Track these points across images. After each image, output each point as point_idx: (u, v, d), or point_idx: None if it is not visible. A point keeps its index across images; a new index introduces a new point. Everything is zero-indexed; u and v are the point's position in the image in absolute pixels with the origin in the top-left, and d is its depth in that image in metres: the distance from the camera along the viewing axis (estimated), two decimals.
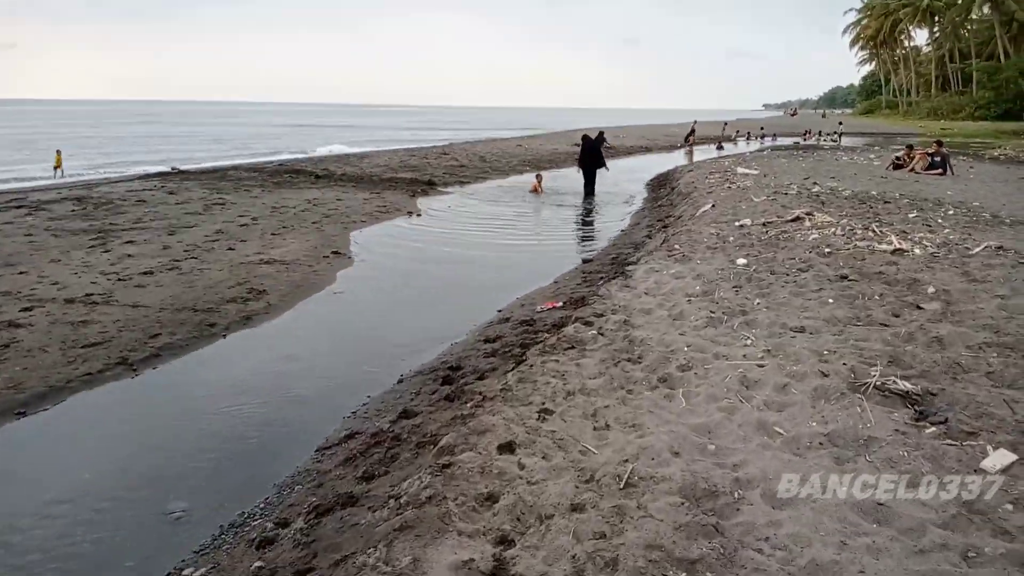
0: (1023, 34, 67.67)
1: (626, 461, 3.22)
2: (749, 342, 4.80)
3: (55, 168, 21.14)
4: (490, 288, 8.49)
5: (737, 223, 9.39)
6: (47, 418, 4.71)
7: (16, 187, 16.82)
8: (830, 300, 5.72)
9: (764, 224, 9.16)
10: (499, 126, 69.53)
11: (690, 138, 37.31)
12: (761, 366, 4.32)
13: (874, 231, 8.22)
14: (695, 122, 41.03)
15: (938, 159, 17.05)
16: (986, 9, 69.46)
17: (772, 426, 3.58)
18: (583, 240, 11.87)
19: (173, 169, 20.55)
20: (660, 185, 19.06)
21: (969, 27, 74.05)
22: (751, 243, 8.14)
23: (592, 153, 17.48)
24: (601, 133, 34.85)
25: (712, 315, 5.48)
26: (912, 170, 17.36)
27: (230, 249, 9.88)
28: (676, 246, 8.34)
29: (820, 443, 3.39)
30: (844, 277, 6.36)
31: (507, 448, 3.38)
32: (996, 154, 26.18)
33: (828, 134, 45.20)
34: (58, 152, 21.91)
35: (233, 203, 13.97)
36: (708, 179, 15.67)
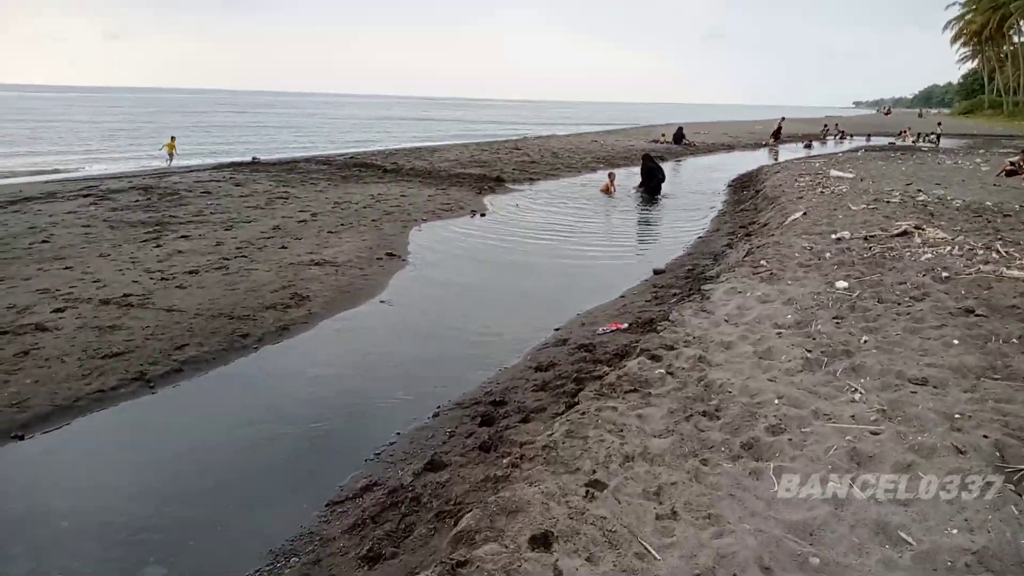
0: None
1: None
2: (858, 396, 3.88)
3: (169, 155, 21.64)
4: (550, 301, 7.76)
5: (834, 236, 8.29)
6: (43, 445, 4.24)
7: (91, 174, 17.15)
8: (955, 341, 4.70)
9: (866, 238, 8.04)
10: (579, 120, 68.67)
11: (776, 135, 35.36)
12: (876, 433, 3.41)
13: (999, 252, 7.02)
14: (782, 119, 38.83)
15: None
16: None
17: (896, 531, 2.69)
18: (655, 247, 10.94)
19: (254, 159, 20.62)
20: (743, 186, 17.79)
21: None
22: (852, 261, 7.07)
23: (651, 175, 16.34)
24: (680, 129, 33.49)
25: (809, 355, 4.55)
26: None
27: (283, 248, 9.46)
28: (763, 261, 7.35)
29: (967, 564, 2.49)
30: (969, 311, 5.29)
31: (542, 541, 2.62)
32: None
33: (926, 135, 42.13)
34: (172, 139, 22.40)
35: (297, 197, 13.67)
36: (797, 182, 14.40)
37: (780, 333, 5.06)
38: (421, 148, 26.05)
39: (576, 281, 8.65)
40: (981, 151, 28.50)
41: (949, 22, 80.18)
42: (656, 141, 32.42)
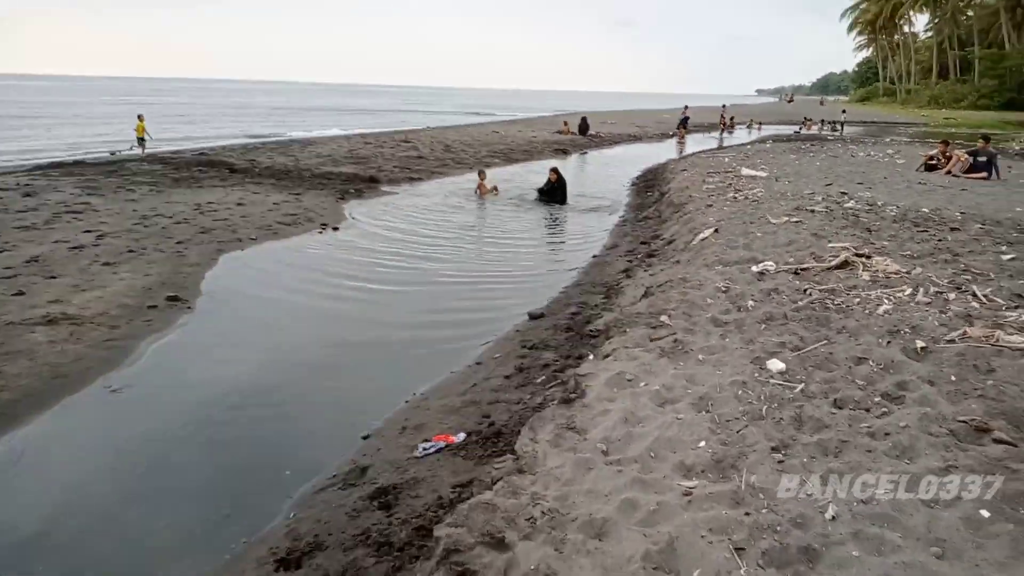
0: None
1: None
2: None
3: (140, 139, 20.68)
4: (374, 378, 5.46)
5: (755, 267, 6.30)
6: None
7: None
8: (983, 513, 2.67)
9: (797, 272, 6.08)
10: (493, 108, 66.43)
11: (683, 125, 34.09)
12: None
13: (980, 298, 5.15)
14: (686, 107, 37.47)
15: (983, 159, 14.03)
16: None
17: None
18: (541, 272, 8.74)
19: (112, 154, 18.41)
20: (648, 186, 15.92)
21: (969, 13, 71.34)
22: (783, 315, 5.04)
23: (551, 194, 13.82)
24: (584, 119, 31.64)
25: (743, 546, 2.42)
26: (950, 172, 14.36)
27: (17, 294, 6.72)
28: (665, 316, 5.24)
29: None
30: (983, 429, 3.28)
31: None
32: (1020, 148, 23.20)
33: (830, 123, 42.16)
34: (140, 119, 20.99)
35: (95, 210, 10.74)
36: (706, 183, 12.56)
37: (689, 494, 2.91)
38: (295, 141, 23.01)
39: (422, 336, 6.32)
40: (887, 140, 28.04)
41: (846, 11, 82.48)
42: (560, 132, 30.55)
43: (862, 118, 53.24)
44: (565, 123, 31.51)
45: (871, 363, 4.08)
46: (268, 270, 8.40)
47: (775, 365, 4.11)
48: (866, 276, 5.78)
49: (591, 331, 5.71)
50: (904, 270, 5.87)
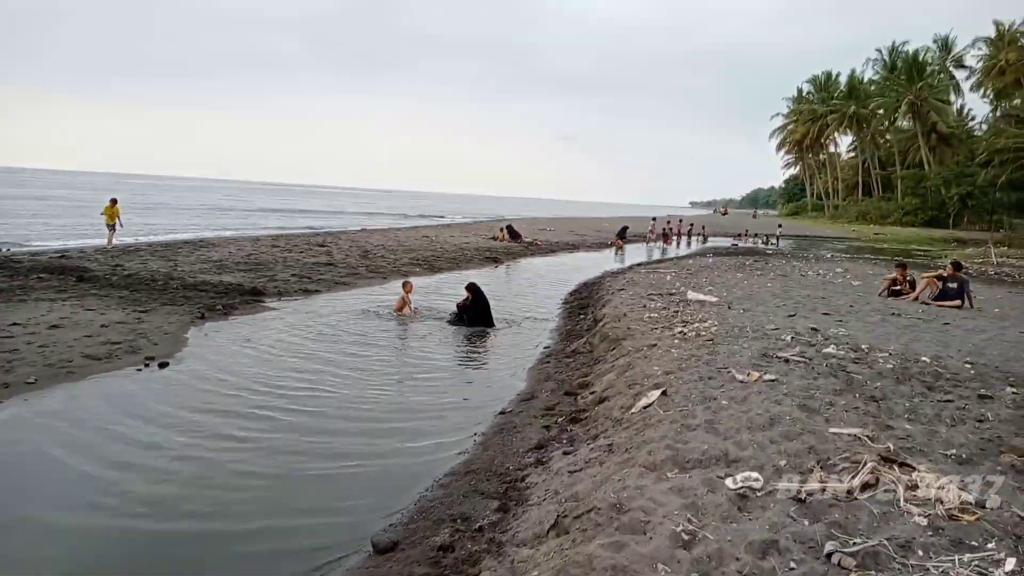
0: (943, 144, 68.82)
1: None
2: None
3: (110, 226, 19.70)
4: None
5: (731, 482, 3.90)
6: None
7: None
8: None
9: (800, 497, 3.69)
10: (439, 212, 65.49)
11: (622, 236, 32.84)
12: None
13: None
14: (625, 227, 35.94)
15: (953, 286, 12.45)
16: (907, 122, 70.90)
17: None
18: (411, 453, 6.07)
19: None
20: (581, 306, 13.77)
21: (889, 136, 75.56)
22: None
23: (472, 316, 11.54)
24: (510, 227, 30.12)
25: None
26: (917, 298, 12.74)
27: None
28: None
29: None
30: None
31: None
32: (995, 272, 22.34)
33: (768, 236, 42.06)
34: (113, 202, 19.98)
35: None
36: (647, 310, 10.40)
37: None
38: (187, 243, 20.29)
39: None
40: (828, 255, 27.21)
41: (774, 131, 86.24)
42: (496, 239, 28.89)
43: (796, 232, 53.96)
44: (501, 230, 29.95)
45: None
46: (39, 428, 5.74)
47: None
48: (915, 511, 3.45)
49: None
50: (969, 500, 3.56)
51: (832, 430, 4.65)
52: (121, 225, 20.07)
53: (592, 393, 6.98)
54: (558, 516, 3.86)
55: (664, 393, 5.82)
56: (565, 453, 5.32)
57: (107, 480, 5.07)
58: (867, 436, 4.50)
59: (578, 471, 4.70)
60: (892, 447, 4.30)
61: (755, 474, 3.93)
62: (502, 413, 7.01)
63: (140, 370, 7.84)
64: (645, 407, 5.58)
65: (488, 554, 3.84)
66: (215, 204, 59.05)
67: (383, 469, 5.52)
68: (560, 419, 6.47)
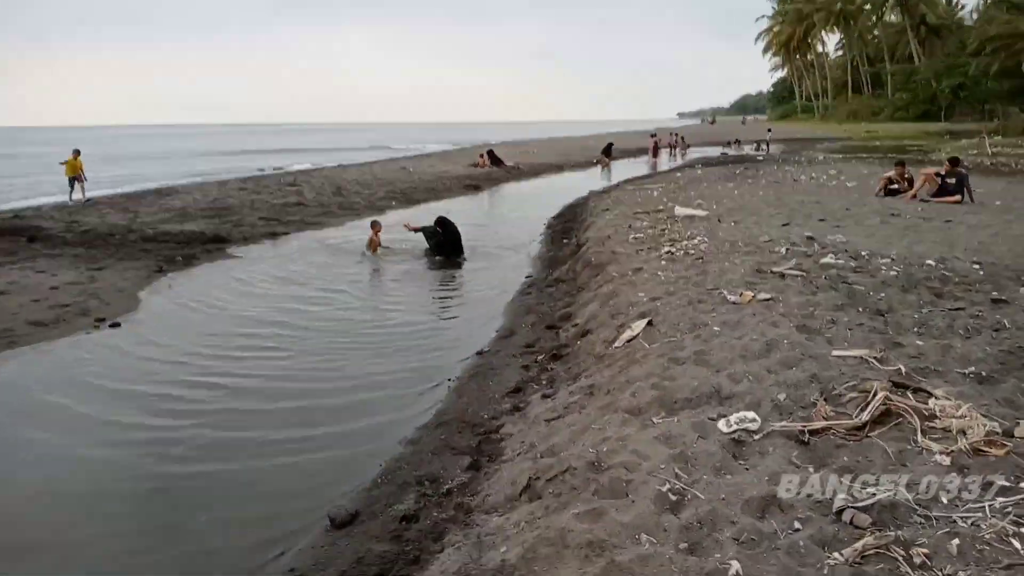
0: (933, 36, 66.77)
1: None
2: None
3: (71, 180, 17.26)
4: None
5: (724, 424, 3.42)
6: None
7: None
8: None
9: (803, 438, 3.22)
10: (418, 141, 63.17)
11: (608, 152, 31.83)
12: None
13: None
14: (611, 144, 34.64)
15: (952, 181, 11.86)
16: (895, 16, 68.68)
17: None
18: (380, 404, 5.58)
19: None
20: (565, 230, 13.16)
21: (877, 32, 73.26)
22: None
23: (440, 248, 11.02)
24: (491, 152, 28.89)
25: None
26: (915, 196, 12.15)
27: None
28: None
29: None
30: None
31: None
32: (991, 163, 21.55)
33: (758, 142, 40.99)
34: (76, 154, 17.46)
35: None
36: (632, 231, 9.81)
37: None
38: (148, 192, 19.26)
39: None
40: (820, 157, 26.44)
41: (760, 34, 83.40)
42: (476, 165, 27.86)
43: (786, 135, 52.65)
44: (481, 155, 28.75)
45: None
46: None
47: None
48: (935, 448, 2.99)
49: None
50: (995, 429, 3.09)
51: (836, 353, 4.17)
52: (85, 179, 18.67)
53: (575, 325, 6.49)
54: (530, 478, 3.40)
55: (650, 323, 5.31)
56: (544, 396, 4.86)
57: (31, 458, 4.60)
58: (875, 358, 4.02)
59: (556, 418, 4.24)
60: (904, 369, 3.82)
61: (751, 413, 3.46)
62: (479, 353, 6.51)
63: (89, 332, 7.30)
64: (629, 340, 5.09)
65: (455, 523, 3.40)
66: (192, 149, 57.00)
67: (351, 430, 5.04)
68: (540, 356, 5.99)
